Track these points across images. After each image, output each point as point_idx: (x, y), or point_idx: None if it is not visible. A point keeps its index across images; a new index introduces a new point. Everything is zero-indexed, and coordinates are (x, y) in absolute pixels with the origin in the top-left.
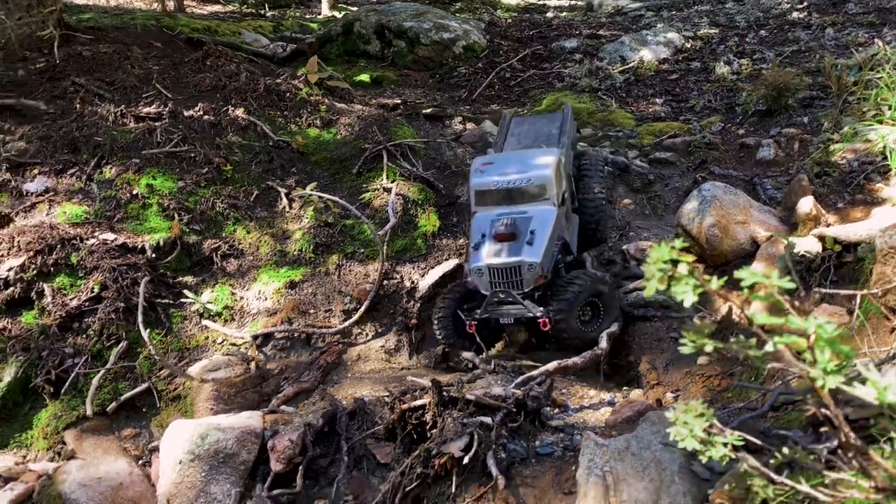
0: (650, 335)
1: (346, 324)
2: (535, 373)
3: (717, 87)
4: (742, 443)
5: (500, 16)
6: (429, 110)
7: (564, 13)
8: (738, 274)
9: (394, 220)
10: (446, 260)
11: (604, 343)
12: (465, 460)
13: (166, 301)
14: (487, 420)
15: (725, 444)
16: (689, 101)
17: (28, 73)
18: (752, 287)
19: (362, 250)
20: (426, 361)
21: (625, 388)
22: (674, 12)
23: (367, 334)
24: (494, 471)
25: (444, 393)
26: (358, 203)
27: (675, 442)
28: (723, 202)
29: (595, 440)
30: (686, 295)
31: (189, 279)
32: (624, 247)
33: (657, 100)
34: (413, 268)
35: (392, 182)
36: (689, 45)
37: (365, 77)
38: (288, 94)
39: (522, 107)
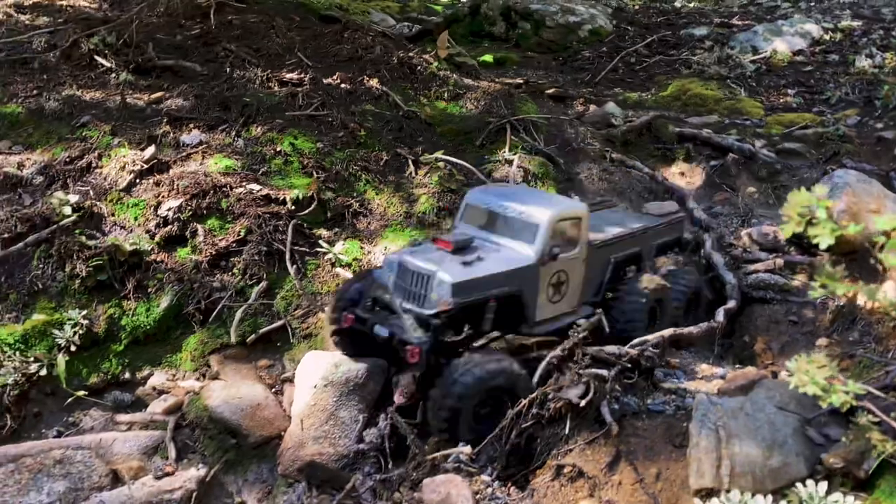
0: (767, 317)
1: None
2: (650, 336)
3: (855, 80)
4: (864, 392)
5: (626, 2)
6: (552, 90)
7: (693, 2)
8: (877, 220)
9: None
10: None
11: (720, 316)
12: (582, 404)
13: (303, 249)
14: (603, 372)
15: (847, 393)
16: (824, 93)
17: (185, 38)
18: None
19: None
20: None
21: (737, 365)
22: (812, 3)
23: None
24: (609, 418)
25: (561, 350)
26: (475, 176)
27: (790, 406)
28: (855, 189)
29: (709, 398)
30: (823, 238)
31: (323, 232)
32: (745, 231)
33: (789, 91)
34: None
35: (514, 154)
36: (827, 37)
37: (488, 57)
38: (419, 68)
39: (647, 91)
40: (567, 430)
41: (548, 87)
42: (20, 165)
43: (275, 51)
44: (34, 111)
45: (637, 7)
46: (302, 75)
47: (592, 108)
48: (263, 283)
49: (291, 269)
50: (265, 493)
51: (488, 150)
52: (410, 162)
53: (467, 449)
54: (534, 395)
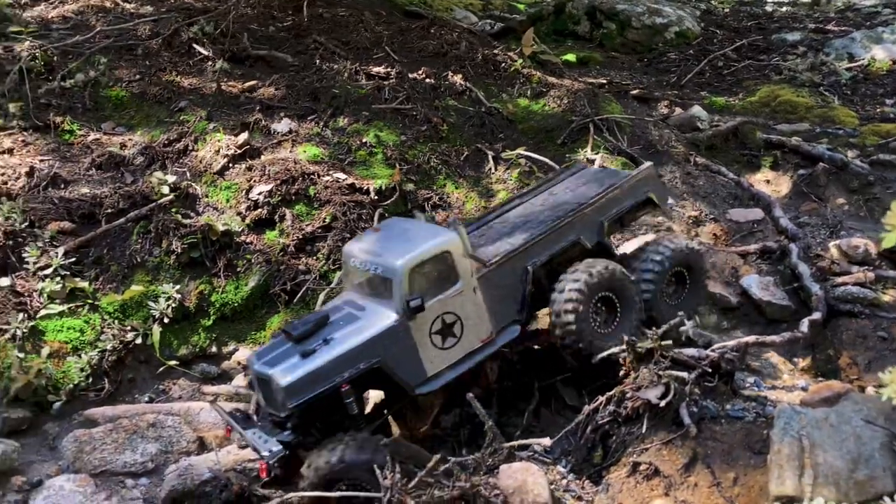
0: (854, 332)
1: None
2: (730, 342)
3: None
4: None
5: (716, 4)
6: (636, 91)
7: (786, 7)
8: None
9: None
10: (643, 234)
11: (804, 327)
12: (662, 405)
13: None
14: (683, 374)
15: None
16: None
17: (278, 29)
18: None
19: None
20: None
21: (820, 378)
22: None
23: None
24: (687, 420)
25: (639, 349)
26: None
27: (879, 420)
28: None
29: (793, 407)
30: None
31: None
32: (833, 243)
33: (887, 100)
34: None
35: (597, 154)
36: None
37: (571, 57)
38: (503, 65)
39: (734, 96)
40: (644, 430)
41: (632, 87)
42: (123, 145)
43: (363, 44)
44: (137, 95)
45: (727, 10)
46: (388, 69)
47: (677, 110)
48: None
49: None
50: None
51: (570, 148)
52: (490, 157)
53: (546, 441)
54: (611, 392)
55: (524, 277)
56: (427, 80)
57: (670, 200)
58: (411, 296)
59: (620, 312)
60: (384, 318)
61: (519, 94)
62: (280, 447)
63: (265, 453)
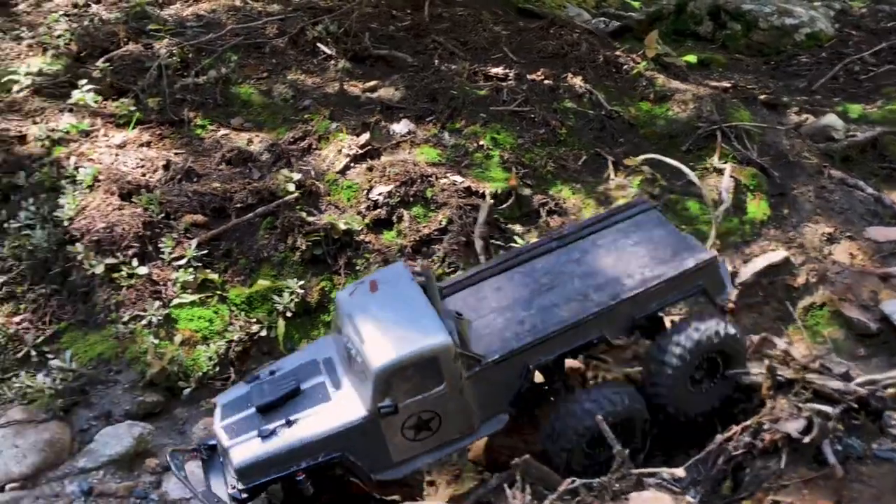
0: None
1: None
2: (881, 376)
3: None
4: None
5: (851, 4)
6: (764, 97)
7: None
8: None
9: (727, 202)
10: (773, 251)
11: None
12: (805, 441)
13: (498, 243)
14: (827, 409)
15: None
16: None
17: (397, 29)
18: None
19: (684, 226)
20: None
21: None
22: None
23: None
24: (832, 459)
25: (779, 376)
26: (684, 180)
27: None
28: None
29: None
30: None
31: (517, 227)
32: None
33: None
34: (737, 252)
35: (725, 163)
36: None
37: (692, 58)
38: (625, 67)
39: (872, 104)
40: (782, 465)
41: (759, 92)
42: (250, 142)
43: (481, 44)
44: (264, 92)
45: (863, 10)
46: (507, 70)
47: (809, 118)
48: (459, 272)
49: (481, 256)
50: (454, 476)
51: (695, 156)
52: (610, 163)
53: (679, 471)
54: (748, 422)
55: (523, 374)
56: (546, 82)
57: (729, 289)
58: (384, 402)
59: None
60: (354, 409)
61: (641, 98)
62: None
63: None
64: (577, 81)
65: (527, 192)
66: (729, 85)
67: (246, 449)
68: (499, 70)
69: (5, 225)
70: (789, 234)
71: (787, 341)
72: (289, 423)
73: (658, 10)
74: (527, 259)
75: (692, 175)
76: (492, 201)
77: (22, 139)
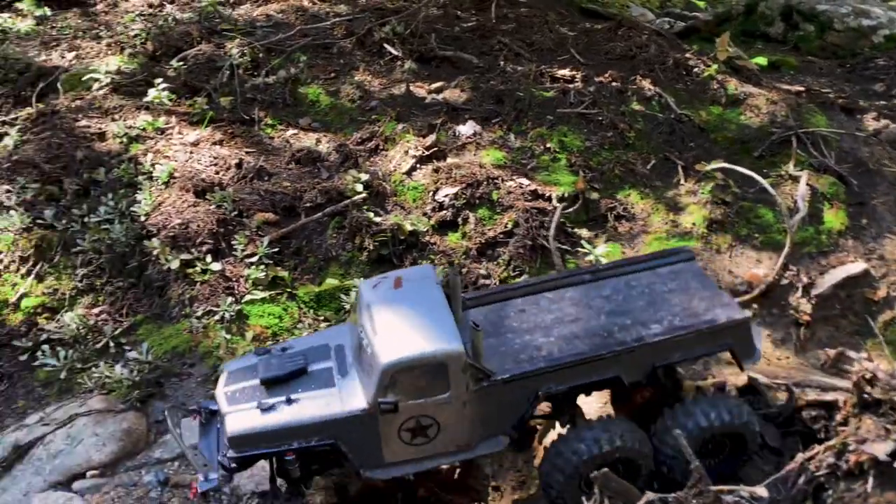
0: None
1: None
2: None
3: None
4: None
5: None
6: (840, 101)
7: None
8: None
9: (803, 211)
10: (851, 262)
11: None
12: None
13: (564, 247)
14: None
15: None
16: None
17: (462, 30)
18: None
19: (757, 235)
20: (813, 362)
21: None
22: None
23: (753, 319)
24: None
25: (866, 395)
26: (757, 187)
27: None
28: None
29: None
30: None
31: (584, 231)
32: None
33: None
34: (812, 263)
35: (801, 171)
36: None
37: (762, 60)
38: (695, 70)
39: None
40: (868, 489)
41: (834, 96)
42: (318, 141)
43: (547, 46)
44: (331, 93)
45: None
46: (574, 72)
47: (889, 124)
48: (525, 276)
49: (557, 259)
50: (520, 483)
51: (768, 162)
52: (680, 168)
53: (761, 490)
54: (831, 442)
55: (531, 400)
56: (614, 84)
57: (758, 356)
58: (385, 398)
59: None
60: (355, 399)
61: (712, 101)
62: (214, 480)
63: (201, 478)
64: (646, 84)
65: (594, 195)
66: (802, 89)
67: (242, 418)
68: (566, 72)
69: (86, 219)
70: (868, 245)
71: (866, 357)
72: (289, 401)
73: (726, 10)
74: (557, 286)
75: (765, 184)
76: (565, 205)
77: (101, 136)
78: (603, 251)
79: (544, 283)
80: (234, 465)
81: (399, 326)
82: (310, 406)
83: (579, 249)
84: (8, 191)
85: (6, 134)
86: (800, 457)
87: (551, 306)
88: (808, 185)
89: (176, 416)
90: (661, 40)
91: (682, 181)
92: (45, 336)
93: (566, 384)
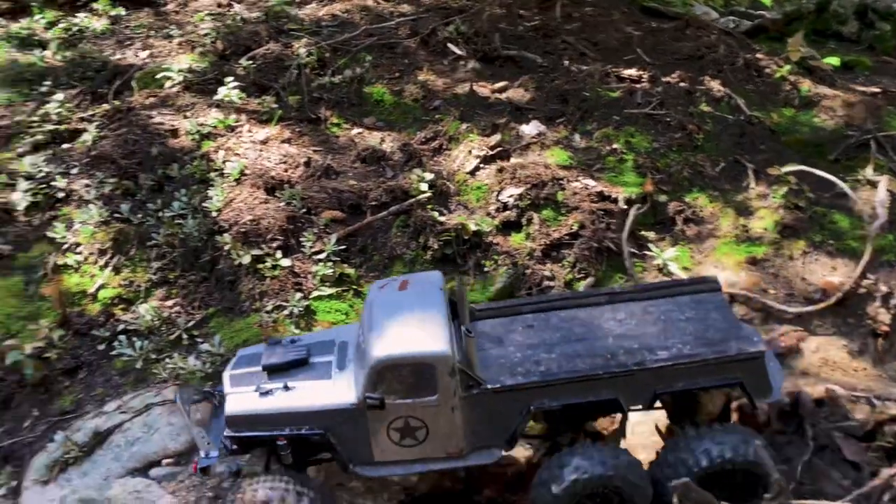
0: None
1: (808, 309)
2: None
3: None
4: None
5: None
6: None
7: None
8: None
9: (883, 218)
10: None
11: None
12: None
13: (630, 250)
14: None
15: None
16: None
17: (525, 29)
18: None
19: (832, 242)
20: (892, 374)
21: None
22: None
23: (828, 329)
24: None
25: None
26: (832, 192)
27: None
28: None
29: None
30: None
31: (650, 235)
32: None
33: None
34: (892, 272)
35: (879, 176)
36: None
37: (834, 60)
38: (766, 70)
39: None
40: None
41: None
42: (382, 140)
43: (612, 45)
44: (395, 92)
45: None
46: (640, 72)
47: None
48: (591, 279)
49: (629, 262)
50: None
51: (843, 166)
52: (751, 171)
53: None
54: None
55: (523, 414)
56: (681, 85)
57: (776, 395)
58: (374, 393)
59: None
60: (347, 393)
61: (784, 103)
62: (214, 458)
63: (202, 455)
64: (715, 85)
65: (662, 198)
66: (879, 90)
67: (241, 399)
68: (632, 71)
69: (160, 214)
70: None
71: None
72: (286, 388)
73: (796, 8)
74: (570, 305)
75: (845, 187)
76: (639, 206)
77: (174, 133)
78: (671, 255)
79: (558, 301)
80: (233, 445)
81: (394, 326)
82: (304, 395)
83: (646, 253)
84: (87, 185)
85: (85, 130)
86: (885, 472)
87: (561, 324)
88: (888, 190)
89: (185, 394)
90: (731, 40)
91: (752, 184)
92: (121, 326)
93: (559, 401)
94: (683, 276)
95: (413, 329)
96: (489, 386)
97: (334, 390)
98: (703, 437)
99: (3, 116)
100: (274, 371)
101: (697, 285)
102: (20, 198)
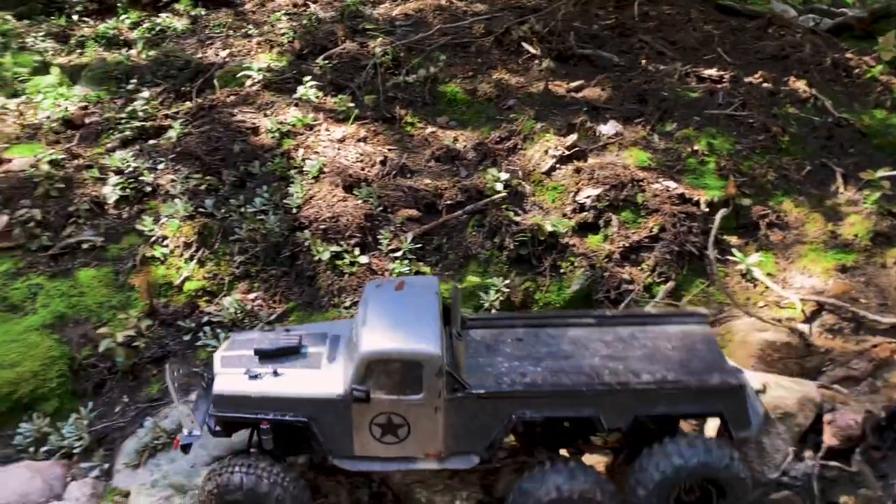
0: None
1: None
2: None
3: None
4: None
5: None
6: None
7: None
8: None
9: None
10: None
11: None
12: None
13: (708, 254)
14: None
15: None
16: None
17: (601, 28)
18: None
19: None
20: None
21: None
22: None
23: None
24: None
25: None
26: None
27: None
28: None
29: None
30: None
31: (733, 239)
32: None
33: None
34: None
35: None
36: None
37: None
38: (855, 70)
39: None
40: None
41: None
42: (455, 139)
43: (691, 44)
44: (469, 91)
45: None
46: (721, 72)
47: None
48: (671, 284)
49: (714, 268)
50: None
51: None
52: (839, 175)
53: None
54: None
55: (504, 423)
56: (765, 85)
57: (754, 430)
58: (360, 386)
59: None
60: (334, 384)
61: (875, 105)
62: (197, 437)
63: (185, 433)
64: (801, 85)
65: (745, 202)
66: None
67: (229, 380)
68: (712, 71)
69: (242, 209)
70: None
71: None
72: (274, 374)
73: (884, 6)
74: (561, 324)
75: None
76: (724, 210)
77: (255, 130)
78: (755, 260)
79: (550, 319)
80: (216, 427)
81: (386, 323)
82: (291, 382)
83: (729, 258)
84: (173, 180)
85: (170, 126)
86: None
87: (549, 340)
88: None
89: (175, 371)
90: (817, 39)
91: (841, 189)
92: (206, 318)
93: (540, 413)
94: (768, 282)
95: (405, 327)
96: (474, 391)
97: (322, 380)
98: (658, 452)
99: (94, 113)
100: (265, 356)
101: (686, 317)
102: (110, 191)
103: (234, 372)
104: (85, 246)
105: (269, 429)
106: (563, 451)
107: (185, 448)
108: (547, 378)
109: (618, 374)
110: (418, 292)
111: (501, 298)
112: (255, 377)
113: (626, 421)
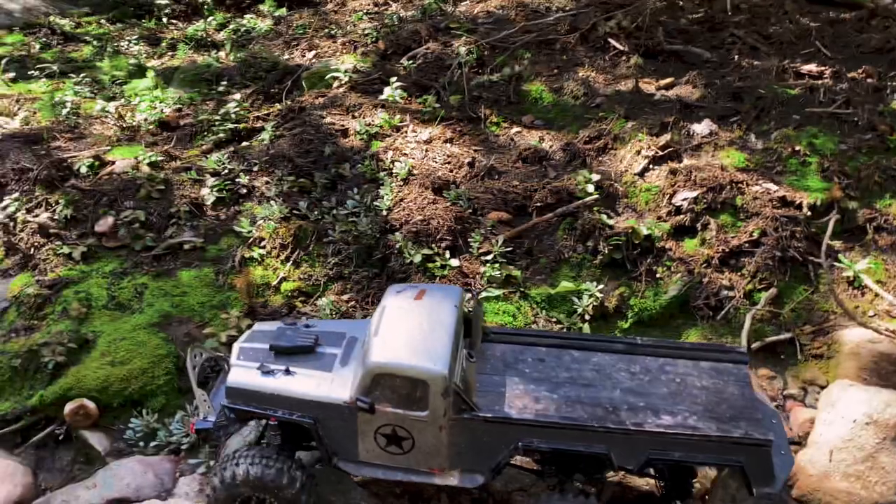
0: None
1: None
2: None
3: None
4: None
5: None
6: None
7: None
8: None
9: None
10: None
11: None
12: None
13: (818, 260)
14: None
15: None
16: None
17: (689, 22)
18: None
19: None
20: None
21: None
22: None
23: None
24: None
25: None
26: None
27: None
28: None
29: None
30: None
31: (837, 244)
32: None
33: None
34: None
35: None
36: None
37: None
38: None
39: None
40: None
41: None
42: (541, 139)
43: (787, 38)
44: (554, 90)
45: None
46: (821, 67)
47: None
48: (773, 290)
49: (832, 276)
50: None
51: None
52: None
53: None
54: None
55: (510, 448)
56: (869, 81)
57: (778, 487)
58: (366, 396)
59: None
60: (342, 389)
61: None
62: (210, 423)
63: (199, 418)
64: None
65: (851, 204)
66: None
67: (243, 373)
68: (811, 67)
69: (334, 211)
70: None
71: None
72: (287, 372)
73: None
74: (586, 347)
75: None
76: (837, 215)
77: (344, 132)
78: (863, 267)
79: (576, 340)
80: (231, 415)
81: (399, 334)
82: (301, 382)
83: (835, 265)
84: (267, 182)
85: (262, 128)
86: None
87: (572, 365)
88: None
89: (197, 355)
90: None
91: None
92: (303, 319)
93: (548, 444)
94: (878, 289)
95: (416, 343)
96: (481, 414)
97: (332, 384)
98: None
99: (187, 115)
100: (280, 353)
101: (724, 353)
102: (208, 193)
103: (249, 365)
104: (186, 247)
105: (277, 425)
106: (579, 477)
107: (200, 432)
108: (561, 408)
109: (636, 411)
110: (438, 304)
111: (595, 304)
112: (267, 373)
113: (637, 462)
